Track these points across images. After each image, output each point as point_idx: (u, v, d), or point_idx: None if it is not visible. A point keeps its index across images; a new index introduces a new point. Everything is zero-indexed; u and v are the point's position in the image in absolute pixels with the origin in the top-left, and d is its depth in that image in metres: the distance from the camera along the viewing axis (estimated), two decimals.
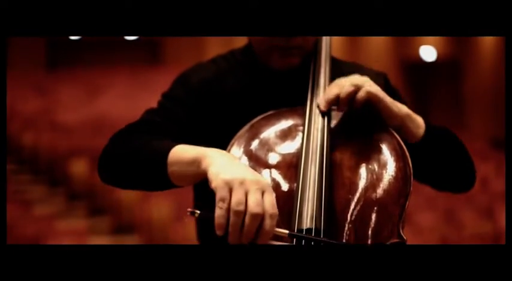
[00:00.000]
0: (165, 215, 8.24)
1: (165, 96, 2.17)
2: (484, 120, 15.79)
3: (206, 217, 1.66)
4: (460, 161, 2.18)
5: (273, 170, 1.92)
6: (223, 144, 1.98)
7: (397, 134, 2.00)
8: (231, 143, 1.98)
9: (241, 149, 1.96)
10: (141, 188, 1.98)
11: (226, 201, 1.64)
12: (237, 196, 1.64)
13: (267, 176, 1.91)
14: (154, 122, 2.08)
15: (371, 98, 1.96)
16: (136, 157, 1.92)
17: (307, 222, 1.79)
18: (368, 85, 1.97)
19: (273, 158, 1.94)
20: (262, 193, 1.66)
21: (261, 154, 1.95)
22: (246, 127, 2.01)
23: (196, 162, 1.78)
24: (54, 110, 12.42)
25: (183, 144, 1.87)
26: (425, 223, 8.42)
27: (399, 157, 1.93)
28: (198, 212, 1.66)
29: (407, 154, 1.93)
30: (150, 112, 2.13)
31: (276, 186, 1.89)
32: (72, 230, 7.74)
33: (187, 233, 6.80)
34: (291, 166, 1.91)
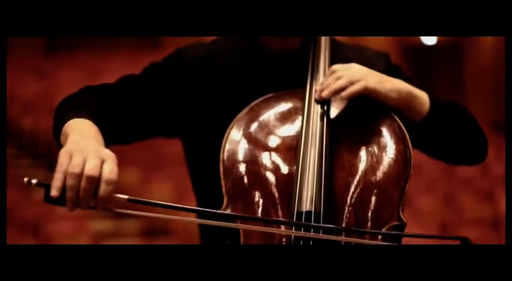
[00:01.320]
0: (166, 199, 8.21)
1: (152, 66, 2.16)
2: (484, 104, 15.77)
3: (43, 184, 1.66)
4: (469, 132, 2.15)
5: (273, 153, 1.91)
6: (222, 126, 1.98)
7: (402, 113, 1.99)
8: (230, 125, 1.97)
9: (241, 132, 1.95)
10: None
11: (64, 165, 1.64)
12: (74, 160, 1.64)
13: (266, 159, 1.91)
14: (119, 88, 2.08)
15: (367, 93, 1.94)
16: (57, 114, 1.95)
17: (306, 205, 1.79)
18: (364, 81, 1.94)
19: (273, 141, 1.94)
20: (103, 161, 1.66)
21: (260, 136, 1.95)
22: (246, 110, 2.00)
23: (65, 139, 1.79)
24: (53, 94, 12.36)
25: (87, 119, 1.87)
26: (425, 207, 8.42)
27: (399, 139, 1.92)
28: (35, 180, 1.65)
29: (407, 136, 1.93)
30: (126, 78, 2.13)
31: (276, 169, 1.89)
32: (72, 214, 7.72)
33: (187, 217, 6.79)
34: (291, 149, 1.91)
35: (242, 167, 1.90)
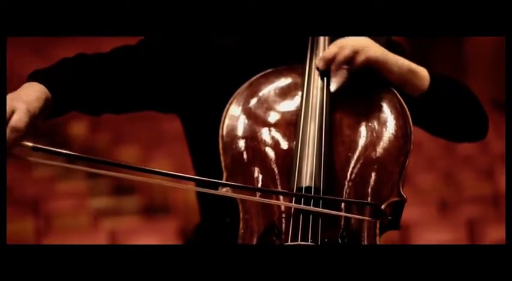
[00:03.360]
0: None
1: (148, 38, 2.14)
2: (484, 82, 15.76)
3: None
4: (469, 109, 2.14)
5: (272, 129, 1.91)
6: (221, 101, 1.97)
7: (402, 89, 1.98)
8: (229, 101, 1.96)
9: (240, 107, 1.95)
10: None
11: None
12: None
13: (266, 134, 1.90)
14: (112, 58, 2.07)
15: (370, 63, 1.94)
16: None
17: (306, 180, 1.79)
18: (368, 50, 1.93)
19: (272, 117, 1.93)
20: (13, 111, 1.73)
21: (260, 112, 1.94)
22: (245, 85, 1.99)
23: None
24: None
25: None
26: (425, 184, 8.41)
27: (399, 115, 1.92)
28: None
29: (407, 112, 1.92)
30: (120, 49, 2.11)
31: (275, 144, 1.89)
32: (72, 191, 7.75)
33: (187, 194, 6.81)
34: (290, 124, 1.90)
35: (241, 143, 1.90)
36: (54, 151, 1.77)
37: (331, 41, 2.01)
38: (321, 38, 2.05)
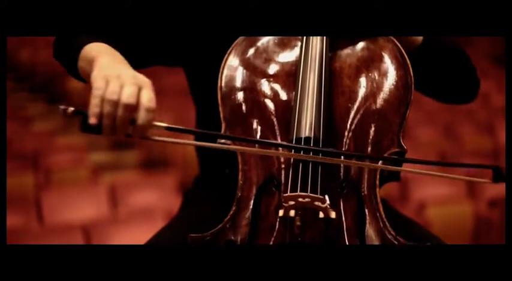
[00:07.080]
0: (165, 130, 8.20)
1: None
2: (484, 37, 15.71)
3: (80, 112, 1.64)
4: (461, 69, 2.16)
5: (271, 79, 1.89)
6: (220, 52, 1.94)
7: (398, 41, 1.97)
8: (228, 52, 1.94)
9: (238, 58, 1.92)
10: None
11: (101, 90, 1.63)
12: (111, 87, 1.63)
13: (265, 85, 1.88)
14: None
15: None
16: (64, 42, 1.96)
17: (305, 131, 1.78)
18: None
19: (271, 67, 1.91)
20: (140, 88, 1.64)
21: (258, 63, 1.92)
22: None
23: (92, 62, 1.77)
24: None
25: (104, 43, 1.87)
26: (425, 138, 8.41)
27: (400, 65, 1.90)
28: (72, 108, 1.63)
29: (408, 62, 1.91)
30: None
31: (274, 95, 1.87)
32: (71, 146, 7.74)
33: (186, 149, 6.81)
34: (290, 75, 1.88)
35: (240, 94, 1.88)
36: (186, 130, 1.73)
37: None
38: None
